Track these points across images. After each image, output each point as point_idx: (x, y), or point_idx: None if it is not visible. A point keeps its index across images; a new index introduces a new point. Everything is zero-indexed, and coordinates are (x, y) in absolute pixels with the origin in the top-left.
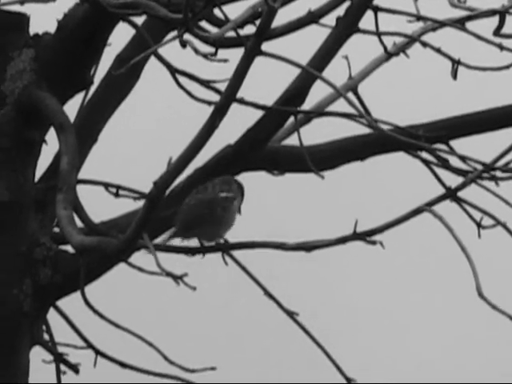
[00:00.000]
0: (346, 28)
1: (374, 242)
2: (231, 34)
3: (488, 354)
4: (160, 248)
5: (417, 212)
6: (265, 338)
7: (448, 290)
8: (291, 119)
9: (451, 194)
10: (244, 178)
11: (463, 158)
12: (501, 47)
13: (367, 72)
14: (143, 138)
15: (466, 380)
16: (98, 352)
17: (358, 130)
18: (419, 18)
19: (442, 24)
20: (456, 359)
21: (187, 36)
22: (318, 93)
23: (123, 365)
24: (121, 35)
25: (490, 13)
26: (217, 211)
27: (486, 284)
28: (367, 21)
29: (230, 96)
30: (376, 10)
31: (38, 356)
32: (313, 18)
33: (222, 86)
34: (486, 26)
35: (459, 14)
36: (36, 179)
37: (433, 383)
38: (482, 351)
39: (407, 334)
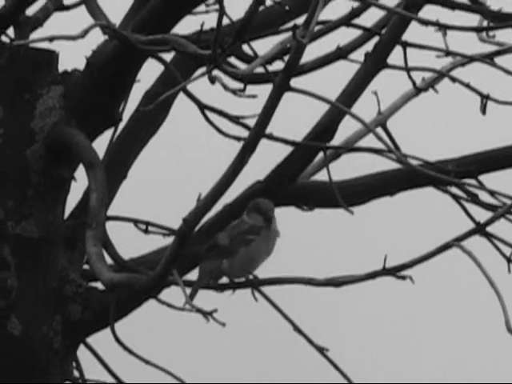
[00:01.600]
0: (375, 63)
1: (403, 278)
2: (260, 69)
3: None
4: (190, 284)
5: (446, 247)
6: (295, 373)
7: (477, 325)
8: (320, 155)
9: (480, 229)
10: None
11: (492, 193)
12: None
13: (396, 107)
14: (172, 174)
15: None
16: None
17: (388, 165)
18: (448, 53)
19: (471, 59)
20: None
21: (216, 72)
22: (347, 128)
23: None
24: (149, 71)
25: None
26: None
27: None
28: (396, 56)
29: (259, 132)
30: (405, 45)
31: None
32: (341, 53)
33: (251, 122)
34: None
35: (488, 48)
36: (65, 216)
37: None
38: None
39: (436, 368)
